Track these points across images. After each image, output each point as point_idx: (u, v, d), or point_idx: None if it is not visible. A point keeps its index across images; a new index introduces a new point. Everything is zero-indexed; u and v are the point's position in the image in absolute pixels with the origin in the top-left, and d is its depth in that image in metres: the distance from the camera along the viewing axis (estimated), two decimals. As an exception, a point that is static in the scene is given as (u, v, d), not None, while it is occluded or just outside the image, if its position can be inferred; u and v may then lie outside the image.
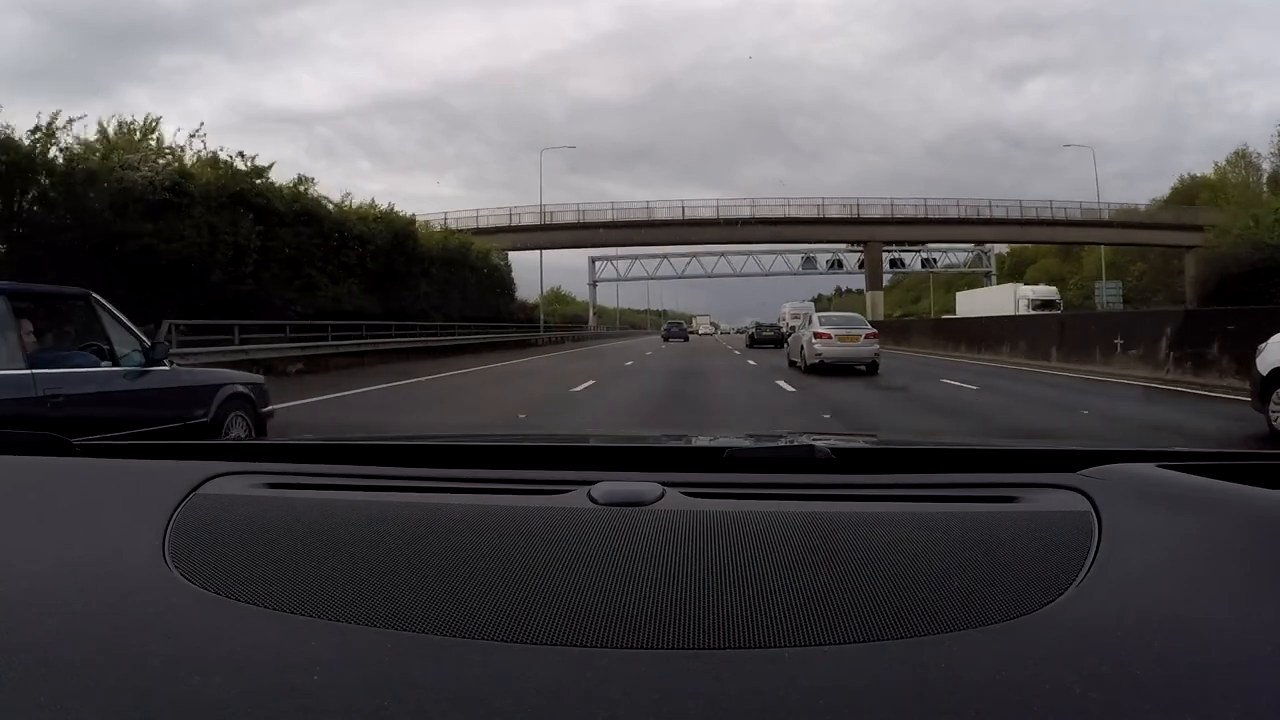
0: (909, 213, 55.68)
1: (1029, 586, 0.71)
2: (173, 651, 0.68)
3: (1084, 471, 0.93)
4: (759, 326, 37.75)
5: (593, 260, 70.89)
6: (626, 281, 73.96)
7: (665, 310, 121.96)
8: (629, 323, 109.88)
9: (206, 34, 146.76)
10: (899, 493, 0.93)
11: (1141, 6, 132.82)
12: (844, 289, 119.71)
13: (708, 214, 55.18)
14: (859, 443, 1.30)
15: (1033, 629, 0.67)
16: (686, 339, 50.12)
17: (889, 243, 58.94)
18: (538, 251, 50.71)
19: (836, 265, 67.01)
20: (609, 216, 55.18)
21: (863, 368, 15.46)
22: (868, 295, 58.37)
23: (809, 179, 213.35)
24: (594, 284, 72.37)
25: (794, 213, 55.33)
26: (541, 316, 47.09)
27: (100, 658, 0.68)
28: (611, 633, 0.68)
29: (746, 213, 55.06)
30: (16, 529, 0.91)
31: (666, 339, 48.69)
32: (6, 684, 0.64)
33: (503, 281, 40.97)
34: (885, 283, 62.27)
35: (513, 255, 45.37)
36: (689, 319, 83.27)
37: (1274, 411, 7.11)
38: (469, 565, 0.77)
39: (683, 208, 55.48)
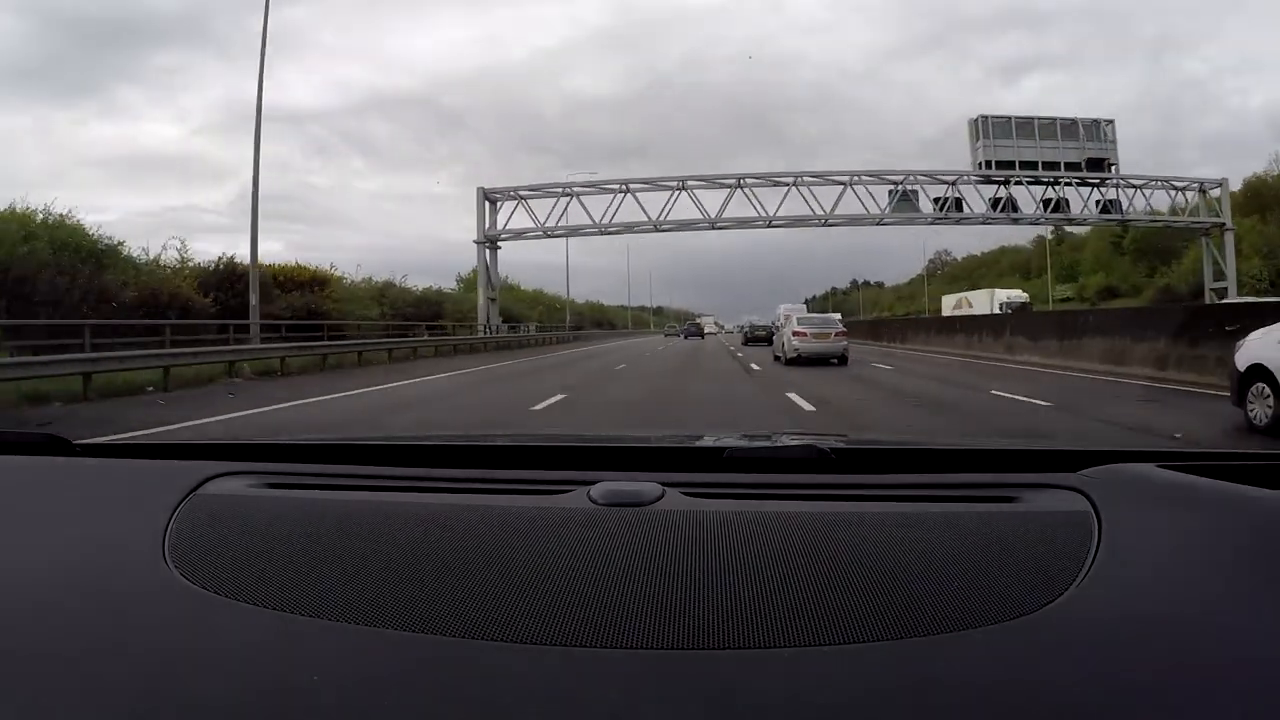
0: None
1: (1029, 586, 0.71)
2: (173, 651, 0.68)
3: (1084, 472, 0.93)
4: (753, 326, 39.80)
5: (485, 196, 38.40)
6: (557, 238, 41.23)
7: (659, 308, 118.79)
8: (600, 320, 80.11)
9: (197, 32, 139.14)
10: (899, 493, 0.93)
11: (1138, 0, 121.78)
12: (860, 281, 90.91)
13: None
14: (859, 443, 1.28)
15: (1033, 629, 0.67)
16: (702, 336, 58.61)
17: None
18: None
19: (953, 207, 36.83)
20: None
21: (834, 360, 18.25)
22: None
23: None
24: (489, 242, 38.66)
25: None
26: (255, 300, 20.02)
27: (100, 658, 0.68)
28: (612, 633, 0.68)
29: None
30: (17, 529, 0.92)
31: (686, 336, 57.60)
32: (7, 683, 0.65)
33: None
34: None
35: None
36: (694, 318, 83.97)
37: (1251, 407, 7.20)
38: (469, 565, 0.78)
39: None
